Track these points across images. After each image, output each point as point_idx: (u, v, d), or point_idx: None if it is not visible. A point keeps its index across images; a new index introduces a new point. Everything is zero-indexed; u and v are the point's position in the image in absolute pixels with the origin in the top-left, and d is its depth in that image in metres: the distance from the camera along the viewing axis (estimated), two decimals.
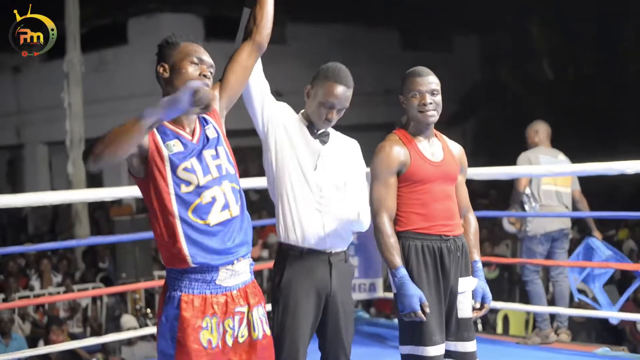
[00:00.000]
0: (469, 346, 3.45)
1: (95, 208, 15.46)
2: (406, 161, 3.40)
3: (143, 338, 8.34)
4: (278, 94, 3.55)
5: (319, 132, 3.46)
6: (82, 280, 11.08)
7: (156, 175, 2.70)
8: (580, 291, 6.38)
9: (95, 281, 10.91)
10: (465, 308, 3.45)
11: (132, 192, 4.97)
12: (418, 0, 17.54)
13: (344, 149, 3.55)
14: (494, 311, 8.17)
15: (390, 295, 6.69)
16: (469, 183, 3.81)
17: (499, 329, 8.24)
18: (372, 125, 16.84)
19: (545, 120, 6.87)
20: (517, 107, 17.55)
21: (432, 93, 3.41)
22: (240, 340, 2.78)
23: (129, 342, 8.30)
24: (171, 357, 2.71)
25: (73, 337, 8.55)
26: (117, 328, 8.73)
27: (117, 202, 14.56)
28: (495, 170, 5.99)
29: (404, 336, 3.38)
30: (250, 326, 2.80)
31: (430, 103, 3.40)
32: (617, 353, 5.50)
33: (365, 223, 3.52)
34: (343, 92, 3.39)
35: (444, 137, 3.60)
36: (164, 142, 2.72)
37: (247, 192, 3.53)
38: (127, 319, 8.97)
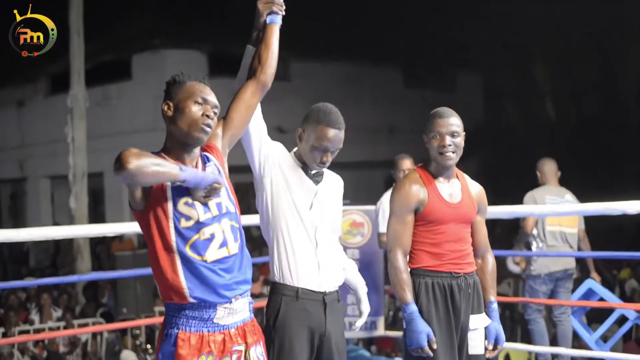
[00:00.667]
0: None
1: (97, 243, 15.43)
2: (424, 200, 3.42)
3: None
4: (281, 131, 3.56)
5: (314, 172, 3.45)
6: (83, 314, 11.02)
7: (157, 207, 2.70)
8: None
9: (96, 316, 10.84)
10: (476, 345, 3.45)
11: (134, 227, 4.98)
12: (422, 39, 17.64)
13: (334, 186, 3.56)
14: None
15: (390, 333, 6.66)
16: None
17: None
18: (375, 162, 16.81)
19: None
20: (520, 146, 17.59)
21: (453, 135, 3.43)
22: None
23: None
24: None
25: None
26: None
27: (119, 237, 14.52)
28: (498, 209, 5.98)
29: None
30: None
31: (450, 145, 3.42)
32: None
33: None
34: (335, 135, 3.36)
35: (465, 176, 3.61)
36: None
37: (248, 228, 3.53)
38: (127, 355, 8.91)
